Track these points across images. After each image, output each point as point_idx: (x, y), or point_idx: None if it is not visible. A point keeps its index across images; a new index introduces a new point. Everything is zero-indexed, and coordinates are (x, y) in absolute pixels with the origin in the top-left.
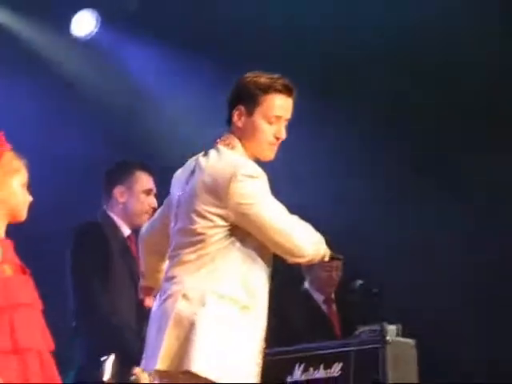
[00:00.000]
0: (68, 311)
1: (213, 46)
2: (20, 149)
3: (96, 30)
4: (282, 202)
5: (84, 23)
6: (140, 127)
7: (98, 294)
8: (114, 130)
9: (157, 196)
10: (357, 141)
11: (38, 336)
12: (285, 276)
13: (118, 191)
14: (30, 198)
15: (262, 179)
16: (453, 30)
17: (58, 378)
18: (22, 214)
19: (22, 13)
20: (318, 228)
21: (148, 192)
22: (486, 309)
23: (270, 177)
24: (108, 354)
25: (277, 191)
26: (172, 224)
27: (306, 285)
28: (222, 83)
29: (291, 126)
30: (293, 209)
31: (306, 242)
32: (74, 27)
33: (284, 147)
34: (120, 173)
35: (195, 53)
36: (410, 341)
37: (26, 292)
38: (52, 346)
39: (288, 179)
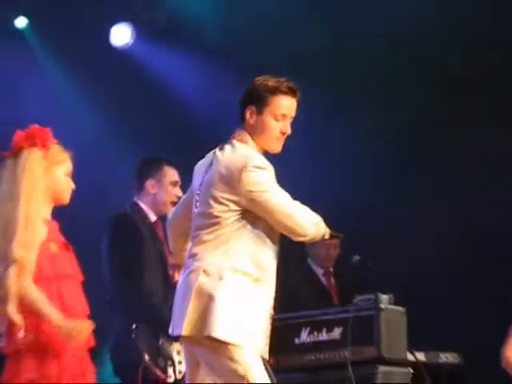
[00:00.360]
0: (103, 285)
1: (239, 56)
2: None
3: (132, 40)
4: (286, 189)
5: (121, 35)
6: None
7: (134, 277)
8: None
9: (181, 187)
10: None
11: (78, 301)
12: (291, 253)
13: (150, 183)
14: (72, 185)
15: (269, 170)
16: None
17: (92, 339)
18: (65, 199)
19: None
20: (321, 206)
21: (174, 184)
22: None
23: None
24: (144, 326)
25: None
26: (193, 208)
27: (309, 260)
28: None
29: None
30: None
31: (308, 223)
32: (112, 38)
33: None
34: (150, 167)
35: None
36: (401, 308)
37: (69, 265)
38: (88, 311)
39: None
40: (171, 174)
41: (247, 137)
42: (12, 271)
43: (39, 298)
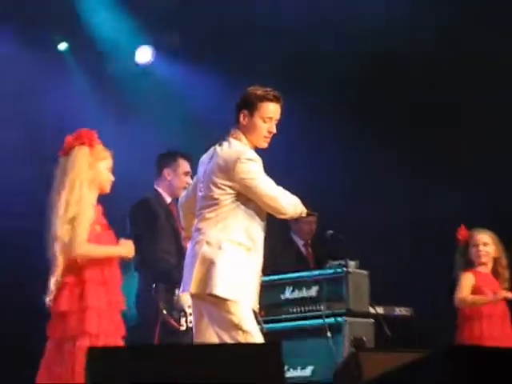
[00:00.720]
0: None
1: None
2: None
3: (153, 59)
4: (271, 177)
5: (144, 54)
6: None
7: (147, 246)
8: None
9: (191, 176)
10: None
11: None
12: (276, 227)
13: (166, 172)
14: (112, 178)
15: (258, 162)
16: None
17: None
18: (107, 188)
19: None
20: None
21: (186, 173)
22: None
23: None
24: (159, 285)
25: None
26: (198, 192)
27: (291, 233)
28: None
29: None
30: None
31: (288, 205)
32: (137, 57)
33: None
34: (168, 159)
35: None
36: (365, 272)
37: (109, 242)
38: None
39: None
40: (184, 165)
41: (241, 135)
42: (62, 247)
43: (89, 249)
